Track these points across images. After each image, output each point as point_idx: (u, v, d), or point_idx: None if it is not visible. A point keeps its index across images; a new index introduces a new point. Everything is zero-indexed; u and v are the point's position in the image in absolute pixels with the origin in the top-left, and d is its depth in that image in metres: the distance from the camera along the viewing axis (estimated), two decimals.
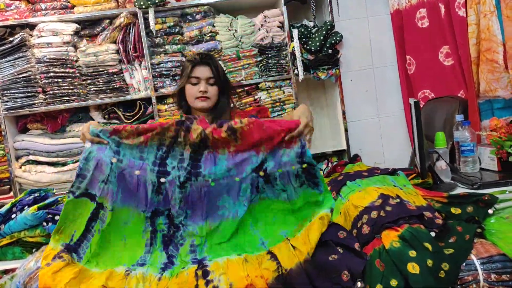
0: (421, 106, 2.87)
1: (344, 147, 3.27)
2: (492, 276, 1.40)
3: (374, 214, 1.47)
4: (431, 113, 2.61)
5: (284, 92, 3.21)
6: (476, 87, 2.79)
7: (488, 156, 2.03)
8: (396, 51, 3.55)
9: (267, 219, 1.58)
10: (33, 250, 1.75)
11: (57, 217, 1.69)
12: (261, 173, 1.55)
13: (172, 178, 1.51)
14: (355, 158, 2.09)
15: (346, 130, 3.29)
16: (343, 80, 3.49)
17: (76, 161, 3.07)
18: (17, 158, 3.14)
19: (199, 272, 1.38)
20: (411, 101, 1.74)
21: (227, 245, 1.52)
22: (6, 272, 1.64)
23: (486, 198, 1.60)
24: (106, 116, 3.18)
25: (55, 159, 3.07)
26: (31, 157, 3.09)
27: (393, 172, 1.80)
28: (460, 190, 1.85)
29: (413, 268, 1.30)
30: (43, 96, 3.07)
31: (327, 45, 3.23)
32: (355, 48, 3.57)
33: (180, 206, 1.51)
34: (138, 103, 3.15)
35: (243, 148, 1.54)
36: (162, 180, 1.51)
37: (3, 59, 3.02)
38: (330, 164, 3.18)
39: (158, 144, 1.52)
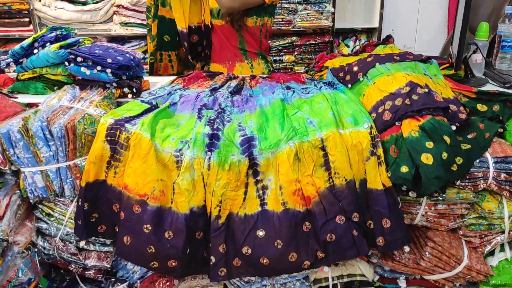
0: None
1: (376, 25, 3.08)
2: (502, 175, 1.42)
3: (398, 101, 1.43)
4: (478, 0, 2.40)
5: None
6: None
7: None
8: None
9: (312, 103, 1.55)
10: (55, 88, 1.77)
11: (79, 59, 1.67)
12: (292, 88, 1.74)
13: (222, 91, 1.74)
14: (388, 40, 1.97)
15: (382, 7, 3.04)
16: None
17: (97, 2, 2.94)
18: None
19: (250, 171, 1.39)
20: None
21: (275, 125, 1.46)
22: (29, 105, 1.67)
23: None
24: None
25: None
26: None
27: (426, 59, 1.71)
28: (490, 86, 1.79)
29: (426, 159, 1.31)
30: None
31: None
32: None
33: (227, 99, 1.67)
34: None
35: (270, 80, 1.85)
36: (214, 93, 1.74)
37: None
38: (358, 42, 3.03)
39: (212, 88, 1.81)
